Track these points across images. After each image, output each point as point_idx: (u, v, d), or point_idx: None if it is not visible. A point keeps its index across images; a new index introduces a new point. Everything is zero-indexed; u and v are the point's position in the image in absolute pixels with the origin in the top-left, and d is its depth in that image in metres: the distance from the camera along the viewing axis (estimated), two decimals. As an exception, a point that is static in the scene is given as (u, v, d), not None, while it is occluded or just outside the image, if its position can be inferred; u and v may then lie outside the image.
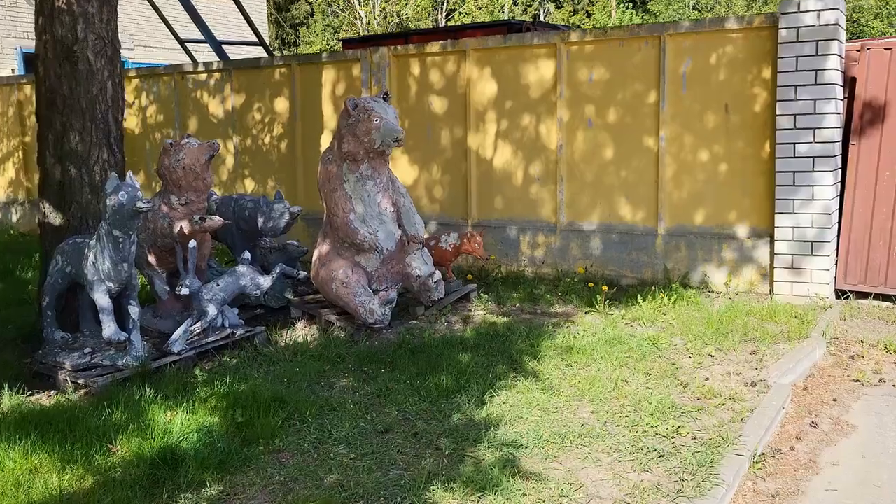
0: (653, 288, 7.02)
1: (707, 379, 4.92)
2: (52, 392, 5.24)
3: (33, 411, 4.62)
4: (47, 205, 6.14)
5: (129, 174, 5.14)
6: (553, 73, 7.94)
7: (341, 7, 34.01)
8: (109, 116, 6.14)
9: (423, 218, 8.75)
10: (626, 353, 5.37)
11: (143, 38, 23.50)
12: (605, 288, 6.82)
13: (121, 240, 5.06)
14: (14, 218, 12.56)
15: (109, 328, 5.21)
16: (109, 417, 4.46)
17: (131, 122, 11.23)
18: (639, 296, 6.71)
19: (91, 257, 5.22)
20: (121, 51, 6.33)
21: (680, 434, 4.09)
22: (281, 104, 9.74)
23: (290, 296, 6.79)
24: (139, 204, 4.92)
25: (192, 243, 5.60)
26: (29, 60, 16.02)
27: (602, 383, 4.81)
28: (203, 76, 10.45)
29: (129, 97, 11.23)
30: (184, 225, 5.67)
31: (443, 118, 8.63)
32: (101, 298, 5.21)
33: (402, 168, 8.81)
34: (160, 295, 6.02)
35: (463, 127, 8.50)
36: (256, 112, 9.98)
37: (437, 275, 6.33)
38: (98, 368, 5.31)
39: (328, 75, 9.35)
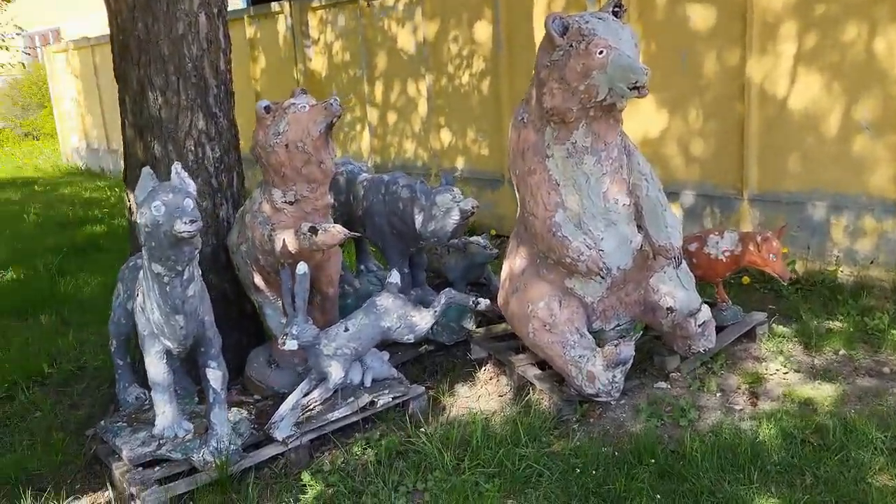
0: None
1: None
2: (106, 492, 3.48)
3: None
4: (133, 197, 4.35)
5: (176, 167, 3.11)
6: (903, -50, 4.79)
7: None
8: (205, 64, 4.17)
9: (674, 186, 6.06)
10: None
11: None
12: None
13: (166, 279, 3.06)
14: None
15: (164, 416, 3.32)
16: None
17: (317, 61, 9.46)
18: None
19: (139, 298, 3.31)
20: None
21: None
22: (482, 31, 7.36)
23: (470, 325, 4.55)
24: (178, 226, 2.86)
25: (303, 267, 3.50)
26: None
27: None
28: (390, 0, 8.31)
29: (313, 33, 9.44)
30: (287, 238, 3.58)
31: (706, 37, 5.78)
32: (152, 365, 3.30)
33: (640, 115, 6.12)
34: (274, 331, 4.03)
35: (739, 49, 5.61)
36: (452, 43, 7.69)
37: (705, 313, 3.74)
38: (164, 465, 3.44)
39: (542, -14, 6.80)
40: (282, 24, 9.74)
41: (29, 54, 13.54)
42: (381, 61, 8.56)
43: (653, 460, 3.16)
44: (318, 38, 9.36)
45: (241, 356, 4.34)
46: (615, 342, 3.58)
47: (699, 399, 3.73)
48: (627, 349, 3.55)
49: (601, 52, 3.45)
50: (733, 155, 5.79)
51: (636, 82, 3.39)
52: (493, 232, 6.65)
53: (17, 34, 12.40)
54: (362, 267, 5.09)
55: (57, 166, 15.40)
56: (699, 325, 3.73)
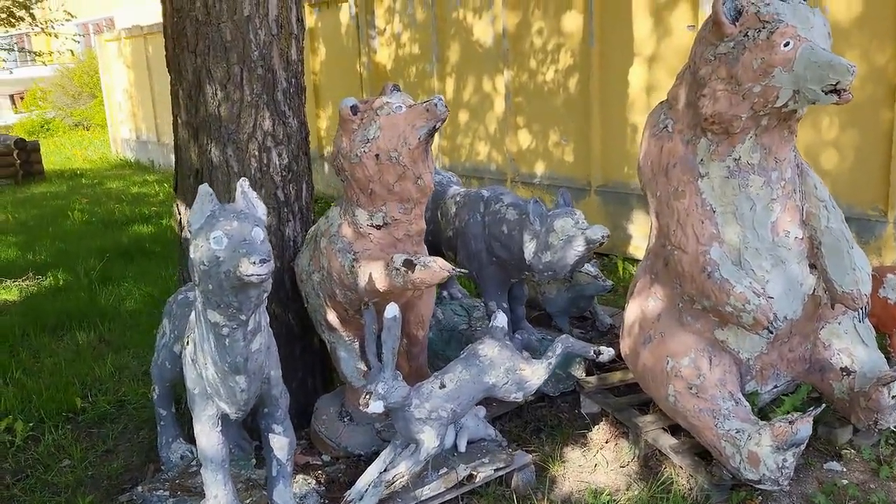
0: None
1: None
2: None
3: None
4: (183, 209, 3.68)
5: (242, 185, 2.39)
6: None
7: None
8: (274, 53, 3.48)
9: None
10: None
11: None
12: None
13: (225, 331, 2.35)
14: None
15: (216, 502, 2.60)
16: None
17: (383, 54, 8.76)
18: None
19: (190, 347, 2.61)
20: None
21: None
22: (571, 22, 6.57)
23: (579, 373, 3.78)
24: (245, 268, 2.14)
25: (393, 310, 2.77)
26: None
27: None
28: (466, -12, 7.58)
29: (379, 23, 8.75)
30: (375, 273, 2.85)
31: (847, 30, 4.92)
32: (203, 434, 2.60)
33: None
34: (349, 379, 3.32)
35: (890, 46, 4.75)
36: (536, 35, 6.92)
37: (902, 381, 2.92)
38: (212, 553, 2.74)
39: (645, -29, 5.98)
40: (345, 13, 9.07)
41: (78, 42, 13.10)
42: (453, 54, 7.82)
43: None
44: (385, 29, 8.66)
45: (306, 400, 3.65)
46: (788, 417, 2.78)
47: (892, 492, 2.91)
48: (805, 427, 2.74)
49: (787, 45, 2.65)
50: (876, 169, 4.94)
51: (837, 83, 2.59)
52: (584, 250, 5.86)
53: (67, 21, 11.95)
54: (445, 294, 4.36)
55: (106, 158, 15.01)
56: (894, 397, 2.92)
